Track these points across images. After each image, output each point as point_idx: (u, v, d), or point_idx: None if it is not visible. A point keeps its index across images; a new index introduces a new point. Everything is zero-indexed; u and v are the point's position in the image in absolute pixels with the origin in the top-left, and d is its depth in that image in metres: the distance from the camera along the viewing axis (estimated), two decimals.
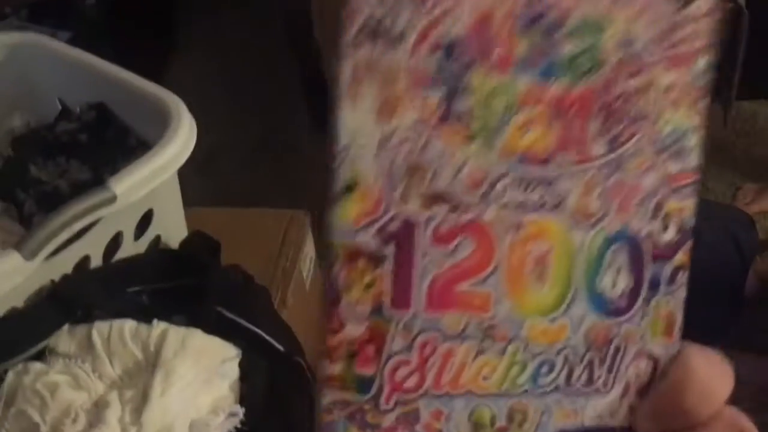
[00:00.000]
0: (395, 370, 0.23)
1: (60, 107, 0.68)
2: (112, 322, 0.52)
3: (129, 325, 0.52)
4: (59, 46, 0.68)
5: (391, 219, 0.22)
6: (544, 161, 0.22)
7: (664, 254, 0.23)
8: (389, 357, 0.22)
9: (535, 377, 0.23)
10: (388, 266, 0.22)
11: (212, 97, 1.65)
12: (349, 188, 0.21)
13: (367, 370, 0.22)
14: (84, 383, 0.51)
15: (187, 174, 0.62)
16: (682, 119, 0.23)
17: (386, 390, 0.22)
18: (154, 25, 1.77)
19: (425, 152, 0.22)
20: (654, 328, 0.24)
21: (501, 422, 0.23)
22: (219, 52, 1.83)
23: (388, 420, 0.23)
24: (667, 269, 0.23)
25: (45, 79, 0.68)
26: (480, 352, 0.23)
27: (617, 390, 0.24)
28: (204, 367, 0.51)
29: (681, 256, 0.24)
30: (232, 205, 0.83)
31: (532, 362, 0.23)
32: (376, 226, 0.22)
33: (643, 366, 0.24)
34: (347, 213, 0.21)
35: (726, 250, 1.06)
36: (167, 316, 0.54)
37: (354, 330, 0.22)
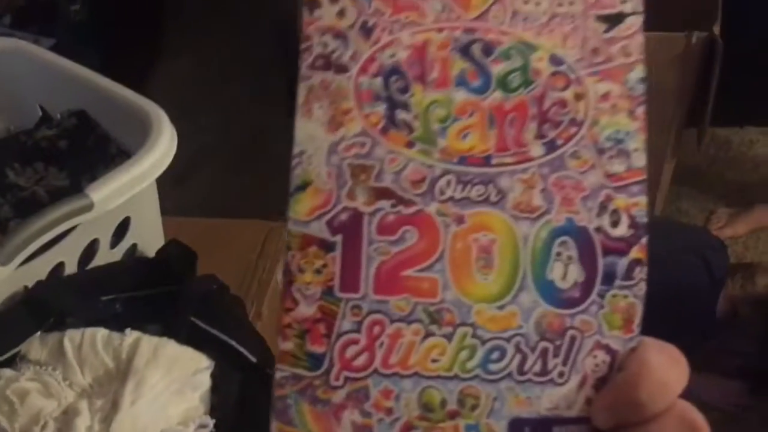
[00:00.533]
0: (345, 348, 0.24)
1: (41, 113, 0.68)
2: (85, 330, 0.52)
3: (101, 333, 0.52)
4: (41, 53, 0.68)
5: (340, 212, 0.24)
6: (484, 162, 0.25)
7: (617, 248, 0.24)
8: (339, 336, 0.24)
9: (485, 363, 0.24)
10: (337, 253, 0.24)
11: (196, 105, 1.65)
12: (303, 186, 0.24)
13: (318, 348, 0.24)
14: (54, 391, 0.50)
15: (167, 183, 0.62)
16: (621, 124, 0.25)
17: (336, 367, 0.24)
18: (139, 32, 1.77)
19: (370, 155, 0.25)
20: (611, 321, 0.24)
21: (452, 405, 0.24)
22: (204, 61, 1.83)
23: (338, 396, 0.24)
24: (623, 263, 0.24)
25: (26, 85, 0.68)
26: (428, 335, 0.24)
27: (574, 381, 0.24)
28: (175, 377, 0.51)
29: (636, 252, 0.24)
30: (211, 215, 0.83)
31: (481, 347, 0.24)
32: (327, 217, 0.24)
33: (601, 358, 0.24)
34: (301, 207, 0.24)
35: (697, 272, 1.08)
36: (141, 325, 0.54)
37: (306, 310, 0.24)
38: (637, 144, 0.25)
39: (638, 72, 0.25)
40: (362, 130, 0.25)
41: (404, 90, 0.25)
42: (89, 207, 0.53)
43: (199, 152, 1.52)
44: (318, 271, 0.24)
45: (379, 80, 0.25)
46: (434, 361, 0.24)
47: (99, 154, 0.62)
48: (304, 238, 0.24)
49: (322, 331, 0.24)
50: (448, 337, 0.24)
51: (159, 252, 0.60)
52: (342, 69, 0.25)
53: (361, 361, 0.24)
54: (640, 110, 0.25)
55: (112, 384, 0.51)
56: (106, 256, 0.59)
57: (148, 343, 0.51)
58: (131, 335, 0.52)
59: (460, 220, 0.24)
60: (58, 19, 1.44)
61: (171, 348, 0.52)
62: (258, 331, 0.59)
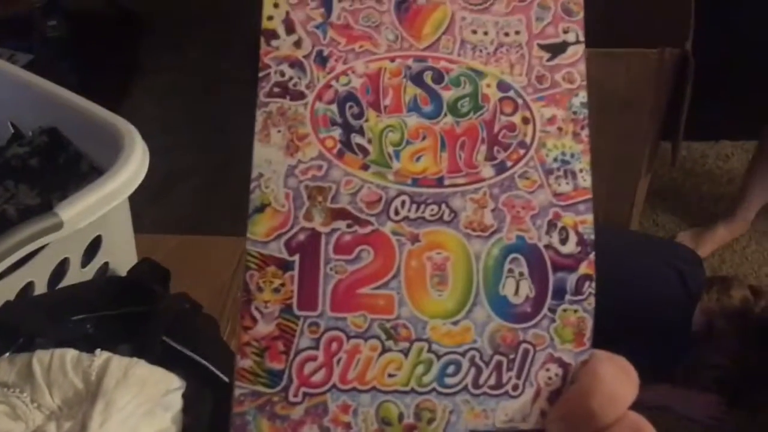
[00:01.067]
0: (303, 364, 0.25)
1: (12, 131, 0.67)
2: (54, 351, 0.51)
3: (71, 354, 0.51)
4: (13, 69, 0.67)
5: (298, 232, 0.25)
6: (437, 183, 0.26)
7: (566, 265, 0.25)
8: (297, 353, 0.25)
9: (441, 377, 0.25)
10: (295, 272, 0.25)
11: (173, 121, 1.64)
12: (261, 208, 0.25)
13: (277, 365, 0.25)
14: (22, 413, 0.49)
15: (143, 199, 0.61)
16: (567, 146, 0.26)
17: (295, 383, 0.25)
18: (117, 48, 1.77)
19: (326, 178, 0.26)
20: (562, 334, 0.25)
21: (409, 419, 0.25)
22: (182, 76, 1.83)
23: (297, 412, 0.25)
24: (572, 279, 0.25)
25: None
26: (385, 351, 0.25)
27: (528, 394, 0.25)
28: (146, 397, 0.50)
29: (585, 267, 0.25)
30: (189, 231, 0.83)
31: (437, 362, 0.25)
32: (285, 237, 0.25)
33: (553, 371, 0.25)
34: (259, 228, 0.25)
35: (673, 286, 1.09)
36: (112, 345, 0.53)
37: (265, 327, 0.25)
38: (582, 165, 0.26)
39: (581, 97, 0.26)
40: (319, 154, 0.26)
41: (359, 116, 0.26)
42: (59, 226, 0.52)
43: (176, 169, 1.51)
44: (276, 290, 0.25)
45: (334, 107, 0.26)
46: (391, 375, 0.25)
47: (71, 172, 0.62)
48: (263, 258, 0.25)
49: (281, 348, 0.25)
50: (405, 353, 0.25)
51: (131, 271, 0.60)
52: (298, 96, 0.26)
53: (319, 377, 0.25)
54: (585, 133, 0.26)
55: (82, 405, 0.50)
56: (77, 275, 0.58)
57: (119, 363, 0.51)
58: (101, 356, 0.51)
59: (414, 238, 0.25)
60: (35, 34, 1.43)
61: (142, 368, 0.51)
62: (232, 350, 0.58)
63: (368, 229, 0.25)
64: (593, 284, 0.25)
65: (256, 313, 0.25)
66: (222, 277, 0.70)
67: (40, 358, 0.51)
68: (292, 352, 0.25)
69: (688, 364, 1.13)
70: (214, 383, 0.53)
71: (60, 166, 0.63)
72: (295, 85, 0.26)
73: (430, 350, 0.25)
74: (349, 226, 0.25)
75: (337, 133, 0.26)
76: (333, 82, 0.26)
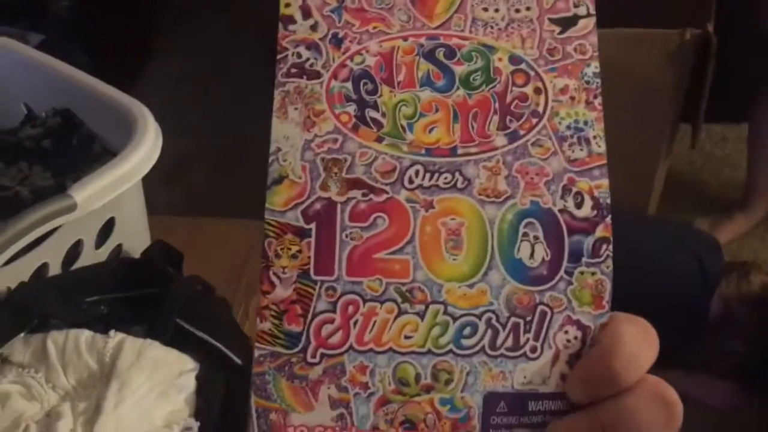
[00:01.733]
0: (320, 327, 0.26)
1: (26, 112, 0.67)
2: (68, 332, 0.51)
3: (85, 335, 0.51)
4: (26, 50, 0.67)
5: (314, 201, 0.26)
6: (450, 152, 0.26)
7: (582, 228, 0.26)
8: (315, 315, 0.26)
9: (457, 338, 0.25)
10: (312, 239, 0.26)
11: (186, 104, 1.64)
12: (279, 180, 0.26)
13: (295, 327, 0.26)
14: (37, 394, 0.50)
15: (155, 181, 0.61)
16: (580, 114, 0.27)
17: (312, 345, 0.25)
18: (129, 29, 1.76)
19: (342, 150, 0.27)
20: (580, 297, 0.25)
21: (426, 380, 0.25)
22: (195, 59, 1.82)
23: (315, 372, 0.25)
24: (589, 242, 0.26)
25: (11, 83, 0.67)
26: (401, 313, 0.25)
27: (546, 356, 0.25)
28: (160, 379, 0.50)
29: (602, 230, 0.26)
30: (202, 213, 0.83)
31: (453, 324, 0.25)
32: (301, 207, 0.26)
33: (572, 334, 0.25)
34: (277, 198, 0.26)
35: (691, 272, 1.08)
36: (126, 327, 0.53)
37: (283, 292, 0.26)
38: (596, 131, 0.26)
39: (593, 67, 0.27)
40: (334, 128, 0.27)
41: (373, 92, 0.27)
42: (72, 207, 0.52)
43: (189, 151, 1.51)
44: (294, 256, 0.26)
45: (349, 84, 0.27)
46: (407, 337, 0.25)
47: (84, 154, 0.62)
48: (280, 227, 0.26)
49: (299, 312, 0.26)
50: (421, 315, 0.25)
51: (144, 253, 0.60)
52: (315, 75, 0.27)
53: (336, 338, 0.25)
54: (598, 101, 0.27)
55: (96, 386, 0.50)
56: (90, 256, 0.58)
57: (133, 345, 0.51)
58: (115, 337, 0.51)
59: (429, 205, 0.26)
60: (47, 14, 1.43)
61: (155, 350, 0.51)
62: (244, 332, 0.58)
63: (383, 197, 0.26)
64: (611, 247, 0.25)
65: (274, 278, 0.26)
66: (235, 259, 0.70)
67: (54, 338, 0.51)
68: (310, 314, 0.25)
69: (706, 350, 1.12)
70: (227, 365, 0.53)
71: (73, 148, 0.63)
72: (311, 65, 0.27)
73: (446, 312, 0.25)
74: (364, 195, 0.26)
75: (351, 108, 0.27)
76: (348, 62, 0.27)
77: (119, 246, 0.61)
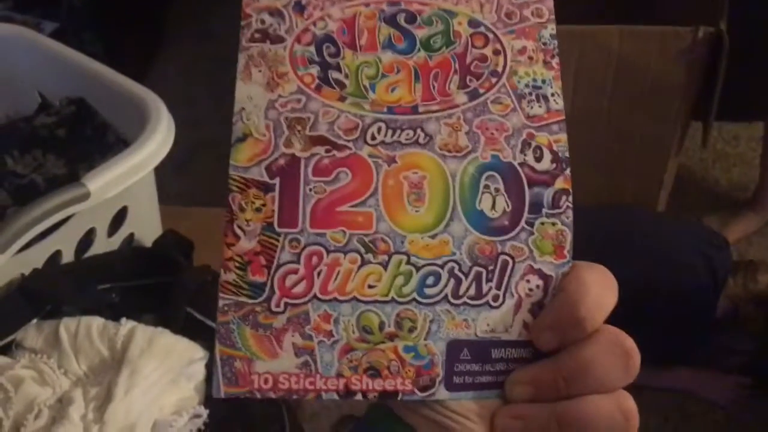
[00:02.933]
0: (284, 277, 0.26)
1: (40, 100, 0.68)
2: (80, 319, 0.52)
3: (97, 322, 0.52)
4: (42, 39, 0.68)
5: (278, 158, 0.27)
6: (411, 110, 0.27)
7: (542, 180, 0.26)
8: (279, 266, 0.26)
9: (420, 288, 0.26)
10: (275, 193, 0.26)
11: (198, 93, 1.64)
12: (243, 138, 0.27)
13: (259, 277, 0.26)
14: (49, 379, 0.51)
15: (168, 170, 0.62)
16: (538, 73, 0.28)
17: (276, 294, 0.26)
18: (143, 17, 1.77)
19: (305, 109, 0.27)
20: (541, 246, 0.26)
21: (390, 328, 0.26)
22: (207, 47, 1.82)
23: (279, 321, 0.26)
24: (549, 193, 0.26)
25: (26, 72, 0.68)
26: (364, 263, 0.26)
27: (508, 305, 0.26)
28: (170, 367, 0.51)
29: (561, 182, 0.26)
30: (214, 203, 0.83)
31: (416, 273, 0.26)
32: (265, 163, 0.27)
33: (534, 283, 0.26)
34: (241, 155, 0.27)
35: (699, 271, 1.08)
36: (137, 315, 0.54)
37: (247, 244, 0.26)
38: (554, 89, 0.27)
39: (550, 29, 0.28)
40: (297, 89, 0.27)
41: (336, 54, 0.28)
42: (85, 196, 0.53)
43: (201, 140, 1.52)
44: (258, 210, 0.26)
45: (312, 48, 0.28)
46: (371, 287, 0.26)
47: (97, 143, 0.62)
48: (244, 182, 0.26)
49: (262, 263, 0.26)
50: (384, 265, 0.26)
51: (156, 242, 0.60)
52: (278, 40, 0.28)
53: (300, 288, 0.26)
54: (555, 60, 0.28)
55: (107, 373, 0.51)
56: (103, 245, 0.59)
57: (144, 332, 0.52)
58: (127, 325, 0.52)
59: (391, 160, 0.26)
60: (62, 3, 1.44)
61: (166, 338, 0.52)
62: None
63: (346, 153, 0.26)
64: (570, 198, 0.26)
65: (238, 231, 0.26)
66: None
67: (67, 325, 0.52)
68: (274, 265, 0.26)
69: (713, 349, 1.12)
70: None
71: (87, 137, 0.63)
72: (274, 30, 0.28)
73: (409, 262, 0.26)
74: (327, 151, 0.26)
75: (315, 70, 0.27)
76: (311, 27, 0.28)
77: (131, 235, 0.61)
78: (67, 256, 0.57)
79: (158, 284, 0.57)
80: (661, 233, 1.13)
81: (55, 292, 0.54)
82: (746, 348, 1.10)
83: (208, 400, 0.52)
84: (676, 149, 1.33)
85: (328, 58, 0.28)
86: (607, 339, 0.24)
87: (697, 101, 1.25)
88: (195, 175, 1.50)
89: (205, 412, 0.51)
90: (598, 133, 1.25)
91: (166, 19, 1.87)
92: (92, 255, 0.58)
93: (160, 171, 0.60)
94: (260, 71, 0.27)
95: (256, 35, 0.28)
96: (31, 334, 0.52)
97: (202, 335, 0.53)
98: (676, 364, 1.10)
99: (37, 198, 0.52)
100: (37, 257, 0.55)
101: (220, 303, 0.26)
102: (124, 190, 0.55)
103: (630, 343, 0.24)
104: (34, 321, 0.53)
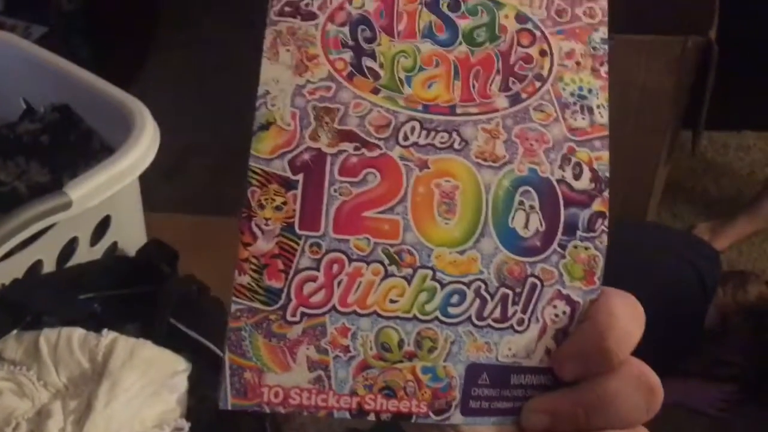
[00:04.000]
0: (302, 284, 0.24)
1: (24, 107, 0.67)
2: (61, 330, 0.51)
3: (78, 333, 0.51)
4: (26, 45, 0.67)
5: (303, 152, 0.25)
6: (449, 111, 0.25)
7: (579, 201, 0.25)
8: (297, 272, 0.24)
9: (444, 306, 0.24)
10: (298, 191, 0.24)
11: (188, 98, 1.64)
12: (266, 125, 0.25)
13: (276, 283, 0.24)
14: (28, 391, 0.50)
15: (156, 177, 0.61)
16: (584, 81, 0.26)
17: (293, 303, 0.24)
18: (132, 22, 1.76)
19: (335, 99, 0.25)
20: (572, 271, 0.25)
21: (409, 347, 0.24)
22: (197, 53, 1.82)
23: (294, 331, 0.24)
24: (585, 215, 0.25)
25: (10, 78, 0.67)
26: (388, 276, 0.24)
27: (533, 330, 0.24)
28: (152, 379, 0.50)
29: (599, 204, 0.25)
30: (202, 211, 0.82)
31: (441, 291, 0.24)
32: (289, 156, 0.25)
33: (561, 309, 0.24)
34: (264, 145, 0.25)
35: (689, 282, 1.08)
36: (119, 325, 0.53)
37: (265, 245, 0.24)
38: (600, 101, 0.25)
39: (602, 32, 0.26)
40: (328, 75, 0.25)
41: (371, 39, 0.26)
42: (67, 205, 0.52)
43: (190, 146, 1.51)
44: (278, 208, 0.24)
45: (346, 29, 0.25)
46: (393, 301, 0.24)
47: (81, 150, 0.62)
48: (266, 175, 0.25)
49: (280, 267, 0.24)
50: (408, 279, 0.24)
51: (139, 251, 0.60)
52: (310, 16, 0.25)
53: (318, 298, 0.24)
54: (604, 69, 0.26)
55: (87, 385, 0.50)
56: (85, 254, 0.58)
57: (125, 344, 0.51)
58: (108, 336, 0.51)
59: (423, 165, 0.25)
60: (51, 7, 1.43)
61: (148, 349, 0.51)
62: None
63: (376, 152, 0.25)
64: (606, 221, 0.25)
65: (256, 230, 0.24)
66: (231, 259, 0.70)
67: (47, 336, 0.51)
68: (292, 271, 0.24)
69: (703, 359, 1.12)
70: (219, 366, 0.53)
71: (71, 144, 0.63)
72: (306, 5, 0.26)
73: (434, 278, 0.24)
74: (356, 148, 0.25)
75: (348, 55, 0.25)
76: (346, 4, 0.26)
77: (114, 244, 0.61)
78: (49, 266, 0.57)
79: (141, 294, 0.57)
80: (651, 243, 1.13)
81: (35, 302, 0.53)
82: (736, 359, 1.10)
83: (191, 412, 0.51)
84: (665, 158, 1.34)
85: (363, 43, 0.25)
86: (631, 373, 0.23)
87: (687, 110, 1.25)
88: (184, 182, 1.49)
89: (187, 425, 0.50)
90: None
91: (156, 25, 1.87)
92: (74, 264, 0.58)
93: (148, 177, 0.60)
94: (288, 51, 0.25)
95: (287, 9, 0.25)
96: (11, 345, 0.51)
97: (185, 347, 0.53)
98: (665, 375, 1.11)
99: (19, 206, 0.51)
100: (17, 267, 0.54)
101: (233, 307, 0.24)
102: (107, 198, 0.54)
103: (655, 379, 0.23)
104: (14, 332, 0.52)
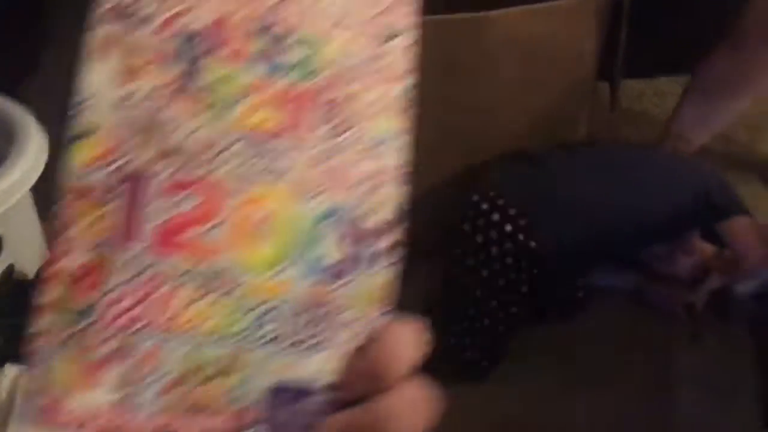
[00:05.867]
0: (114, 303, 0.24)
1: None
2: None
3: None
4: None
5: (123, 165, 0.24)
6: (274, 136, 0.26)
7: (372, 235, 0.26)
8: (109, 290, 0.24)
9: (251, 328, 0.25)
10: (115, 206, 0.24)
11: None
12: (86, 134, 0.24)
13: (86, 300, 0.24)
14: None
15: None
16: (387, 126, 0.27)
17: (103, 321, 0.24)
18: (26, 18, 1.65)
19: (162, 114, 0.25)
20: (369, 296, 0.26)
21: (217, 366, 0.25)
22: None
23: (102, 351, 0.24)
24: (380, 247, 0.26)
25: None
26: (199, 298, 0.25)
27: (333, 351, 0.26)
28: None
29: (392, 237, 0.26)
30: None
31: (250, 313, 0.25)
32: (108, 170, 0.24)
33: (356, 331, 0.26)
34: (81, 156, 0.24)
35: (697, 196, 1.10)
36: (24, 357, 0.49)
37: (77, 260, 0.24)
38: (400, 143, 0.27)
39: (407, 82, 0.27)
40: (154, 89, 0.25)
41: (200, 58, 0.26)
42: None
43: None
44: (94, 222, 0.24)
45: (177, 42, 0.25)
46: (203, 322, 0.25)
47: None
48: (81, 188, 0.24)
49: (91, 284, 0.24)
50: (219, 301, 0.25)
51: (39, 272, 0.55)
52: (138, 24, 0.25)
53: (129, 316, 0.24)
54: (408, 113, 0.27)
55: None
56: None
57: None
58: (11, 371, 0.47)
59: (242, 189, 0.25)
60: None
61: None
62: None
63: (197, 173, 0.25)
64: (400, 252, 0.26)
65: (67, 244, 0.24)
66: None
67: None
68: (104, 288, 0.24)
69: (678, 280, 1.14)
70: None
71: None
72: (135, 12, 0.25)
73: (244, 301, 0.25)
74: (178, 167, 0.25)
75: (177, 70, 0.25)
76: (178, 17, 0.25)
77: (11, 266, 0.56)
78: None
79: None
80: (661, 165, 1.17)
81: None
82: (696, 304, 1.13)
83: None
84: (587, 115, 1.35)
85: (192, 59, 0.25)
86: (408, 395, 0.25)
87: (602, 61, 1.26)
88: None
89: None
90: (507, 120, 1.23)
91: (53, 20, 1.76)
92: None
93: (48, 189, 0.55)
94: (113, 59, 0.25)
95: (114, 13, 0.25)
96: None
97: None
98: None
99: None
100: None
101: (36, 326, 0.23)
102: None
103: (431, 399, 0.26)
104: None
